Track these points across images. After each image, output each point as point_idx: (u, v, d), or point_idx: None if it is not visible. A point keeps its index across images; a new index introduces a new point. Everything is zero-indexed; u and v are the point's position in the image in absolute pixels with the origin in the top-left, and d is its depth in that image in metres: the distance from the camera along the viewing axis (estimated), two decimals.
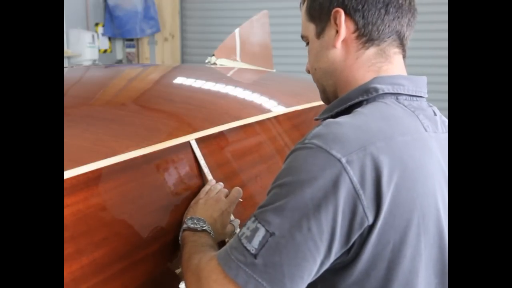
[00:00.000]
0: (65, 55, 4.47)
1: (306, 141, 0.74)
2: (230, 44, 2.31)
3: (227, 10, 5.30)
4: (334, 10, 0.85)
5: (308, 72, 0.96)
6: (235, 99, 1.52)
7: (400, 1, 0.85)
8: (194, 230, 0.93)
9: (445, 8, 4.01)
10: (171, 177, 1.01)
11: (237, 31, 2.35)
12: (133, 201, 0.90)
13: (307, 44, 0.94)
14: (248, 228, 0.73)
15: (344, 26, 0.85)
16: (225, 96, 1.52)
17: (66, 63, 4.59)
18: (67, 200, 0.78)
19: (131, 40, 5.51)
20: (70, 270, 0.75)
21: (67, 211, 0.78)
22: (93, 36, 4.83)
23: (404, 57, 0.89)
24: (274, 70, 2.40)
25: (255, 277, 0.69)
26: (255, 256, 0.70)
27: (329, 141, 0.72)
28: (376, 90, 0.82)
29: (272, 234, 0.70)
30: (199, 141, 1.09)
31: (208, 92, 1.55)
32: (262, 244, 0.70)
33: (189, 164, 1.06)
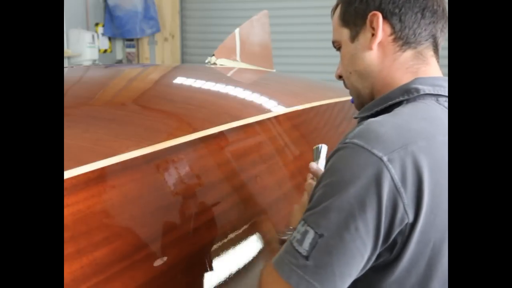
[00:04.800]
0: (65, 55, 4.47)
1: (347, 140, 0.76)
2: (230, 44, 2.31)
3: (227, 10, 5.29)
4: (371, 14, 0.86)
5: (338, 77, 0.97)
6: (235, 99, 1.52)
7: (435, 7, 0.87)
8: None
9: None
10: (171, 177, 1.01)
11: (237, 31, 2.35)
12: (133, 201, 0.90)
13: (338, 49, 0.95)
14: (298, 232, 0.75)
15: (381, 28, 0.86)
16: (225, 96, 1.52)
17: (66, 63, 4.59)
18: (67, 200, 0.78)
19: (131, 40, 5.51)
20: (70, 270, 0.75)
21: (67, 211, 0.78)
22: (93, 36, 4.83)
23: (437, 57, 0.90)
24: (274, 70, 2.40)
25: (307, 278, 0.71)
26: (306, 258, 0.72)
27: (371, 140, 0.73)
28: (417, 90, 0.83)
29: (321, 236, 0.72)
30: (199, 141, 1.09)
31: (208, 92, 1.55)
32: (313, 246, 0.72)
33: (189, 164, 1.06)
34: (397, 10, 0.85)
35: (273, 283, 0.75)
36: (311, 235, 0.73)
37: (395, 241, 0.73)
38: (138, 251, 0.88)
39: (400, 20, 0.85)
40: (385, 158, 0.71)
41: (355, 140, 0.74)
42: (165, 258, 0.95)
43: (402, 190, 0.71)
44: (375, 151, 0.72)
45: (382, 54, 0.87)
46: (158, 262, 0.93)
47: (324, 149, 1.15)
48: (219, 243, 1.05)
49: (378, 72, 0.88)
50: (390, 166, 0.71)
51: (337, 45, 0.95)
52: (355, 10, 0.89)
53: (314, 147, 1.16)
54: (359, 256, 0.72)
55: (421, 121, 0.78)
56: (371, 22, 0.86)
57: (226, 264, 1.04)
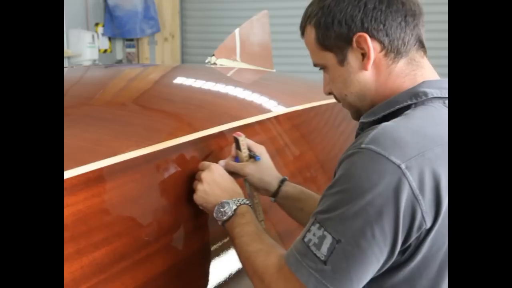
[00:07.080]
0: (65, 55, 4.47)
1: (363, 145, 0.75)
2: (230, 44, 2.31)
3: (227, 10, 5.29)
4: (356, 36, 0.84)
5: (328, 94, 0.95)
6: (235, 99, 1.52)
7: (413, 8, 0.86)
8: (228, 216, 0.95)
9: (445, 8, 3.99)
10: (171, 177, 1.01)
11: (237, 31, 2.34)
12: (133, 201, 0.90)
13: (321, 69, 0.93)
14: (314, 235, 0.76)
15: (372, 49, 0.84)
16: (225, 96, 1.52)
17: (66, 63, 4.59)
18: (67, 200, 0.78)
19: (131, 40, 5.51)
20: (70, 270, 0.75)
21: (67, 211, 0.78)
22: (93, 36, 4.83)
23: (425, 53, 0.90)
24: (274, 70, 2.40)
25: (324, 282, 0.73)
26: (324, 262, 0.74)
27: (388, 146, 0.73)
28: (425, 94, 0.83)
29: (338, 241, 0.73)
30: (199, 141, 1.09)
31: (208, 92, 1.55)
32: (330, 251, 0.73)
33: (189, 164, 1.06)
34: (381, 26, 0.83)
35: (287, 282, 0.77)
36: (329, 240, 0.74)
37: (409, 244, 0.75)
38: (138, 251, 0.88)
39: (387, 35, 0.84)
40: (403, 166, 0.72)
41: (372, 146, 0.74)
42: (165, 258, 0.95)
43: (420, 197, 0.72)
44: (393, 158, 0.72)
45: (376, 71, 0.86)
46: (158, 262, 0.93)
47: (243, 139, 1.11)
48: (219, 243, 1.05)
49: (375, 89, 0.87)
50: (408, 173, 0.71)
51: (321, 67, 0.92)
52: (336, 34, 0.85)
53: (236, 137, 1.12)
54: (376, 262, 0.73)
55: (435, 126, 0.78)
56: (359, 43, 0.84)
57: (225, 263, 1.04)
